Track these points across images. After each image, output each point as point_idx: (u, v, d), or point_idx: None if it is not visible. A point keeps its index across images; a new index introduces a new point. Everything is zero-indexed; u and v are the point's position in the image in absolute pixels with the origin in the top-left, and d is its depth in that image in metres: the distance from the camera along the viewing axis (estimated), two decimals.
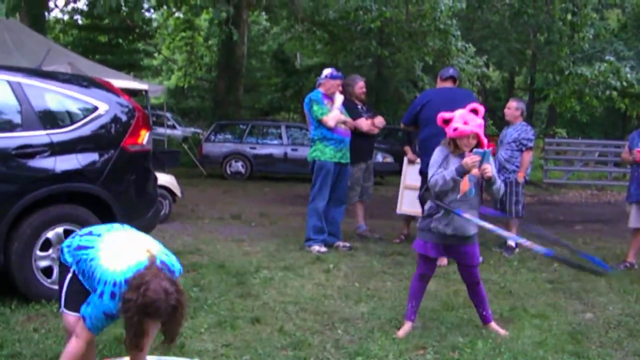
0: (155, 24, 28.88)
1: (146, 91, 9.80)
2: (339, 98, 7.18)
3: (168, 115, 21.08)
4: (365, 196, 8.04)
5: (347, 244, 7.24)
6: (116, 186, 4.96)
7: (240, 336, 4.25)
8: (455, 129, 4.16)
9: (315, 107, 7.07)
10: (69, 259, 3.12)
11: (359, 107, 7.75)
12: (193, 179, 14.52)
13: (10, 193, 4.51)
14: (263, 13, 24.15)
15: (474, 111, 4.22)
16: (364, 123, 7.52)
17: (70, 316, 3.12)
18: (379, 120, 7.81)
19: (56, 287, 4.76)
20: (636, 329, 4.75)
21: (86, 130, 4.85)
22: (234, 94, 18.63)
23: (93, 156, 4.90)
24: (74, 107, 4.89)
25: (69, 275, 3.13)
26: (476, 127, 4.18)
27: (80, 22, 25.17)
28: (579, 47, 17.39)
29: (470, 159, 4.13)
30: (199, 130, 19.20)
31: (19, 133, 4.62)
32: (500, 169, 7.47)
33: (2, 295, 4.71)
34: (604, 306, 5.38)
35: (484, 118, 4.20)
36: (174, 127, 20.58)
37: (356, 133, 7.43)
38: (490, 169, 4.18)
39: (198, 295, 5.06)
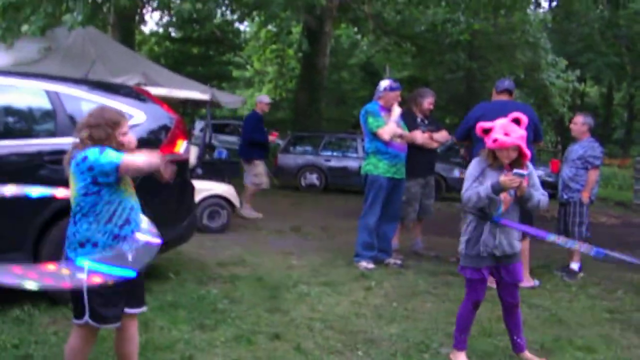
0: (246, 36, 29.47)
1: (209, 101, 9.94)
2: (397, 110, 6.94)
3: None
4: (426, 214, 7.72)
5: (398, 261, 7.00)
6: (148, 194, 4.96)
7: (254, 352, 4.15)
8: (495, 140, 3.87)
9: (370, 119, 6.89)
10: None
11: (419, 119, 7.48)
12: (267, 190, 14.57)
13: (42, 197, 4.59)
14: (351, 25, 24.21)
15: (516, 121, 3.94)
16: (419, 135, 7.23)
17: None
18: (440, 135, 7.51)
19: None
20: None
21: None
22: (316, 106, 18.67)
23: None
24: None
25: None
26: (517, 138, 3.89)
27: (173, 34, 26.03)
28: None
29: (510, 179, 3.87)
30: (279, 142, 19.30)
31: (53, 140, 4.71)
32: (564, 187, 7.08)
33: (34, 297, 4.80)
34: None
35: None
36: None
37: (413, 146, 7.19)
38: (525, 186, 3.92)
39: (225, 308, 5.00)
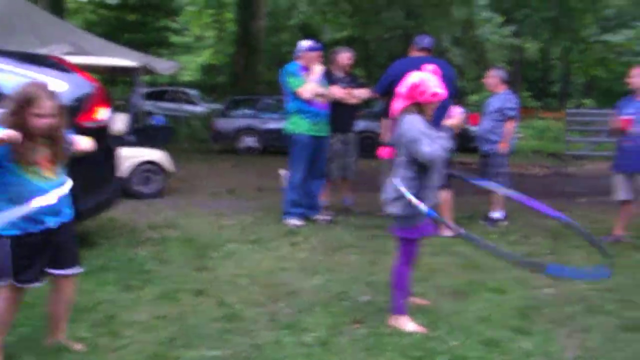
0: (182, 1, 29.01)
1: (137, 68, 9.93)
2: (317, 70, 7.07)
3: (191, 92, 21.20)
4: (347, 171, 7.79)
5: (328, 217, 7.23)
6: (70, 162, 5.04)
7: (178, 308, 4.30)
8: (435, 94, 3.89)
9: (290, 79, 7.03)
10: None
11: (338, 76, 7.58)
12: (207, 155, 14.67)
13: None
14: None
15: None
16: (336, 91, 7.36)
17: None
18: (360, 92, 7.62)
19: None
20: (597, 304, 4.61)
21: None
22: (252, 69, 18.64)
23: None
24: None
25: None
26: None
27: (109, 1, 25.46)
28: (602, 14, 16.85)
29: (457, 119, 3.98)
30: (219, 107, 19.30)
31: None
32: (483, 139, 7.35)
33: None
34: (573, 281, 5.20)
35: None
36: (194, 103, 20.66)
37: (333, 102, 7.30)
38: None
39: (152, 268, 5.15)
